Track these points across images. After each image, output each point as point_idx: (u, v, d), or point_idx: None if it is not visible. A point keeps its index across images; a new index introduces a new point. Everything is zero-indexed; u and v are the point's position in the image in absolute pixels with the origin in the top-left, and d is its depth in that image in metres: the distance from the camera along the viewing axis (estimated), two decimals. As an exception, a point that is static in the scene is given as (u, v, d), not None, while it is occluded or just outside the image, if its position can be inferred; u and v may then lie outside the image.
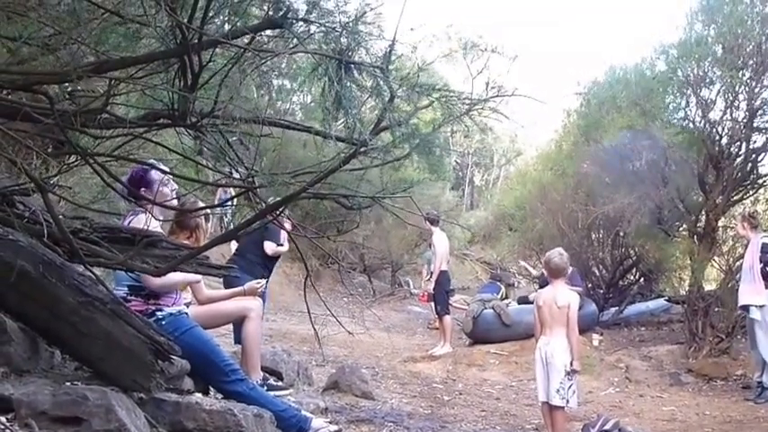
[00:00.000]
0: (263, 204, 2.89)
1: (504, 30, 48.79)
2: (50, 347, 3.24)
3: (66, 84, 3.05)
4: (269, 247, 6.88)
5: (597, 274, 13.35)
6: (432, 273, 10.76)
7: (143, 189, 3.97)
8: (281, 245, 6.95)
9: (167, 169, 3.99)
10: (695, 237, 9.93)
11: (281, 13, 2.71)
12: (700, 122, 9.77)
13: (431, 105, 3.19)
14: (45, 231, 2.65)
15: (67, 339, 3.00)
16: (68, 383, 2.86)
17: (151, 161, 3.92)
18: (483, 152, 32.48)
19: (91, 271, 2.91)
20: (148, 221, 3.42)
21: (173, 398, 3.30)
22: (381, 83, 2.99)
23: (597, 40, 54.36)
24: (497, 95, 3.18)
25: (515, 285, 17.20)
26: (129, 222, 3.88)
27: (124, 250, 3.05)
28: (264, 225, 4.15)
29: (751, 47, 9.01)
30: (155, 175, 3.95)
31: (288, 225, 4.57)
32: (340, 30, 2.87)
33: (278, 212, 2.84)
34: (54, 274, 2.80)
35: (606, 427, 5.58)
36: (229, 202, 5.33)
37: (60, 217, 2.96)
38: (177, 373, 3.68)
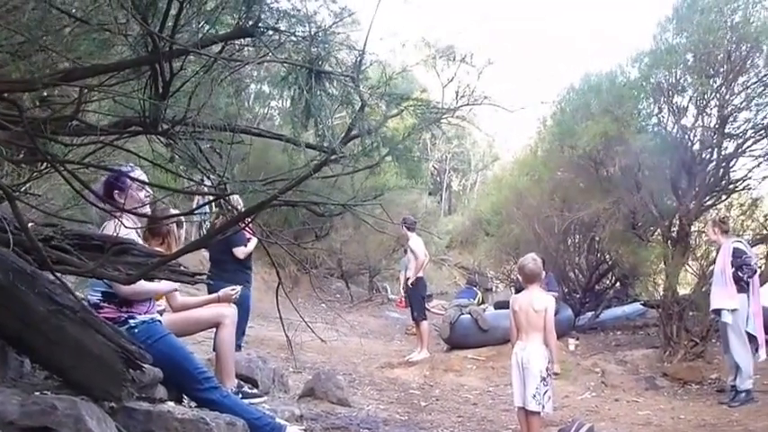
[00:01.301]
0: (235, 212, 2.89)
1: (494, 24, 49.10)
2: (20, 356, 3.21)
3: (38, 91, 3.03)
4: (239, 252, 6.91)
5: (573, 278, 13.45)
6: (408, 278, 10.77)
7: (116, 192, 3.96)
8: (250, 239, 6.98)
9: (143, 173, 3.98)
10: (669, 242, 10.03)
11: (251, 22, 2.72)
12: (672, 128, 9.91)
13: (400, 114, 3.20)
14: (11, 240, 2.62)
15: (38, 348, 2.97)
16: (37, 393, 2.83)
17: (128, 166, 3.91)
18: (461, 157, 32.60)
19: (59, 279, 2.88)
20: (117, 228, 3.40)
21: (144, 407, 3.27)
22: (352, 92, 3.01)
23: (591, 37, 54.81)
24: (465, 105, 3.21)
25: (493, 290, 17.28)
26: (103, 229, 3.86)
27: (96, 257, 3.03)
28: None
29: (721, 55, 9.16)
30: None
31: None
32: (310, 39, 2.88)
33: (249, 219, 2.84)
34: (24, 283, 2.77)
35: (581, 432, 5.61)
36: (201, 210, 5.34)
37: (30, 224, 2.94)
38: (149, 381, 3.66)
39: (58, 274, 2.89)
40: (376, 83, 3.17)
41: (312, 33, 2.90)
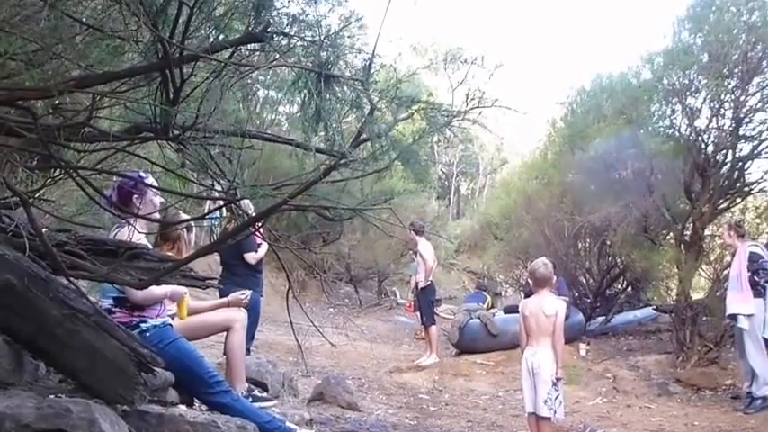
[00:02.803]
0: (245, 216, 2.92)
1: (503, 25, 49.01)
2: (35, 360, 3.24)
3: (52, 98, 3.06)
4: (250, 258, 6.93)
5: (584, 283, 13.37)
6: (417, 283, 10.76)
7: (135, 196, 4.01)
8: (260, 245, 7.00)
9: (153, 179, 4.02)
10: (682, 245, 9.92)
11: (261, 27, 2.75)
12: (686, 130, 9.77)
13: (410, 117, 3.22)
14: (27, 245, 2.66)
15: (52, 352, 3.00)
16: (52, 396, 2.86)
17: (141, 173, 3.95)
18: (469, 161, 32.55)
19: (73, 284, 2.91)
20: (131, 234, 3.43)
21: (156, 410, 3.31)
22: (361, 95, 3.02)
23: (597, 41, 54.68)
24: (476, 107, 3.21)
25: (502, 294, 17.24)
26: (115, 234, 3.89)
27: (108, 263, 3.06)
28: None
29: (737, 55, 9.01)
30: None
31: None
32: (320, 43, 2.90)
33: (260, 224, 2.86)
34: (39, 287, 2.81)
35: (592, 438, 5.59)
36: (213, 214, 5.36)
37: (45, 230, 2.97)
38: (161, 384, 3.69)
39: (72, 279, 2.92)
40: (384, 86, 3.18)
41: (321, 38, 2.93)
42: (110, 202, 3.69)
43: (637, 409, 8.06)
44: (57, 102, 3.20)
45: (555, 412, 5.37)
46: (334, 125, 2.97)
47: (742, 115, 9.25)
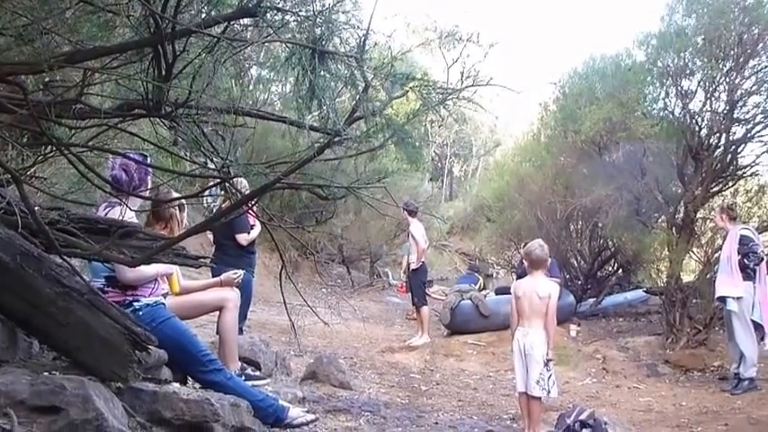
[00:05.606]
0: (239, 195, 2.90)
1: (497, 8, 48.60)
2: (28, 337, 3.24)
3: (42, 74, 3.03)
4: (242, 239, 6.91)
5: (575, 264, 13.41)
6: (409, 264, 10.75)
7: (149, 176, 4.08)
8: (253, 226, 6.97)
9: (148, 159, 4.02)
10: (673, 228, 9.95)
11: (254, 1, 2.72)
12: (679, 113, 9.76)
13: (405, 95, 3.20)
14: (19, 223, 2.64)
15: (46, 330, 3.01)
16: (46, 373, 2.87)
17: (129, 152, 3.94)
18: (462, 142, 32.44)
19: (67, 262, 2.91)
20: (123, 212, 3.43)
21: (150, 387, 3.31)
22: (356, 72, 3.00)
23: (592, 24, 54.25)
24: (472, 85, 3.19)
25: (494, 276, 17.27)
26: (107, 213, 3.88)
27: (101, 241, 3.05)
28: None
29: (732, 38, 8.97)
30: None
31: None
32: (314, 19, 2.87)
33: (253, 203, 2.85)
34: (32, 265, 2.80)
35: (582, 417, 5.62)
36: (205, 193, 5.33)
37: (37, 208, 2.96)
38: (155, 362, 3.70)
39: (65, 257, 2.91)
40: (379, 63, 3.15)
41: (315, 13, 2.90)
42: (116, 181, 3.69)
43: (626, 390, 8.14)
44: (47, 78, 3.17)
45: (548, 392, 5.41)
46: (328, 102, 2.95)
47: (736, 98, 9.22)
